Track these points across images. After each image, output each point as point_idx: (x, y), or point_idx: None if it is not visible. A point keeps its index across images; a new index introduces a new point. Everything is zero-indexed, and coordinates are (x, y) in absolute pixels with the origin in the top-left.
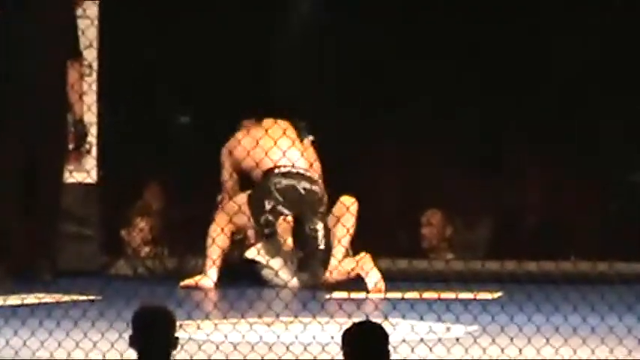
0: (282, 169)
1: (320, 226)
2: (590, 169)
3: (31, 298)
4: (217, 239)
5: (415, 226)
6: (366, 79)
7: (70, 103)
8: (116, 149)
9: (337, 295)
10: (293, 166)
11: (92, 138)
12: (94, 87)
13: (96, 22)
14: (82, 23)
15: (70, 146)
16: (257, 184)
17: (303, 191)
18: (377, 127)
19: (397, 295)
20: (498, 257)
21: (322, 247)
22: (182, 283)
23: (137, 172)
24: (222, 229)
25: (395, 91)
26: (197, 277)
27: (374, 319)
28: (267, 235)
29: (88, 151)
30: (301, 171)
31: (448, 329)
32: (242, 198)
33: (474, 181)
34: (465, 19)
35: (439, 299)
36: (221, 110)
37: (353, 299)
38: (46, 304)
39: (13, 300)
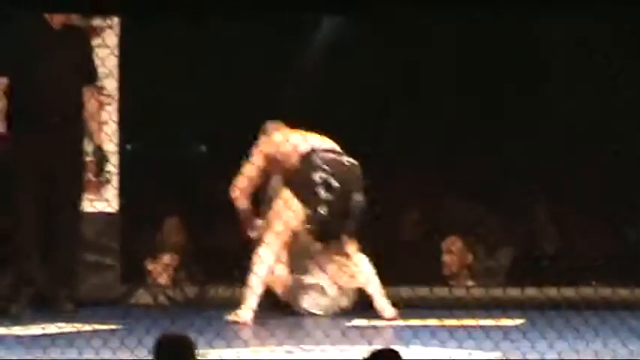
0: (323, 147)
1: (361, 200)
2: (610, 194)
3: (52, 328)
4: (259, 269)
5: (436, 253)
6: (386, 105)
7: (89, 131)
8: (136, 178)
9: (358, 322)
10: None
11: (113, 167)
12: (115, 116)
13: (116, 51)
14: (101, 52)
15: (90, 175)
16: (298, 167)
17: (347, 163)
18: (399, 153)
19: (418, 322)
20: (519, 284)
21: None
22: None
23: (157, 202)
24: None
25: (416, 118)
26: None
27: (394, 346)
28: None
29: (109, 181)
30: (340, 150)
31: (469, 355)
32: (285, 194)
33: (494, 208)
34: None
35: (460, 326)
36: (238, 140)
37: (374, 326)
38: (67, 333)
39: (35, 330)
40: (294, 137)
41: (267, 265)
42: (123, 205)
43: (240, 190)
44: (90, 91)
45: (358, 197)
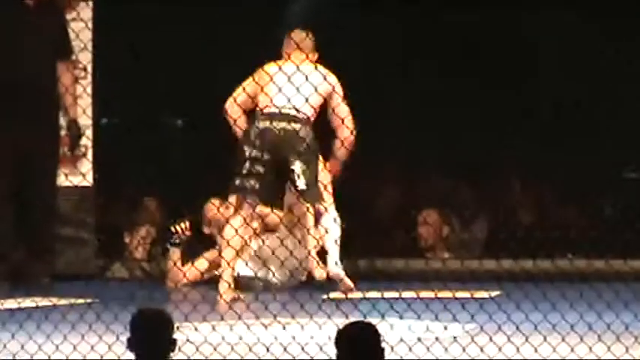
0: (265, 111)
1: (297, 165)
2: (585, 166)
3: (28, 302)
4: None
5: (412, 225)
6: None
7: (64, 106)
8: (111, 152)
9: (334, 295)
10: (278, 107)
11: (88, 141)
12: (89, 90)
13: (90, 25)
14: (75, 26)
15: (65, 149)
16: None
17: (278, 132)
18: (373, 129)
19: (394, 294)
20: (495, 256)
21: (302, 187)
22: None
23: (132, 176)
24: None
25: (391, 94)
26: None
27: (370, 319)
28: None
29: (84, 154)
30: (287, 110)
31: (445, 328)
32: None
33: (469, 181)
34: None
35: (436, 298)
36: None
37: (350, 299)
38: (43, 307)
39: (10, 304)
40: (271, 88)
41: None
42: (98, 179)
43: (231, 116)
44: (65, 66)
45: (290, 165)
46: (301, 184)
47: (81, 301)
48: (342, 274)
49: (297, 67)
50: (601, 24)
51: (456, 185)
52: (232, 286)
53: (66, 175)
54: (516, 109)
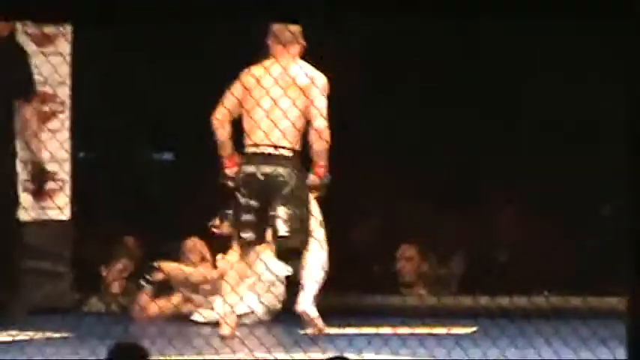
0: (249, 151)
1: (282, 211)
2: (561, 204)
3: (4, 336)
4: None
5: (389, 261)
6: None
7: (28, 145)
8: (89, 186)
9: (311, 330)
10: (258, 145)
11: (65, 175)
12: (67, 124)
13: (68, 59)
14: (54, 60)
15: (31, 186)
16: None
17: (262, 177)
18: (352, 158)
19: (372, 330)
20: (472, 292)
21: (283, 233)
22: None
23: (110, 209)
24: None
25: (371, 125)
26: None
27: (346, 354)
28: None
29: (61, 188)
30: (267, 150)
31: None
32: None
33: (446, 217)
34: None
35: (413, 334)
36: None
37: (327, 334)
38: (19, 341)
39: None
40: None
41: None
42: (75, 213)
43: (219, 119)
44: (26, 104)
45: (271, 211)
46: (282, 230)
47: (57, 335)
48: (316, 314)
49: (284, 69)
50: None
51: (433, 220)
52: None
53: (43, 209)
54: (494, 147)
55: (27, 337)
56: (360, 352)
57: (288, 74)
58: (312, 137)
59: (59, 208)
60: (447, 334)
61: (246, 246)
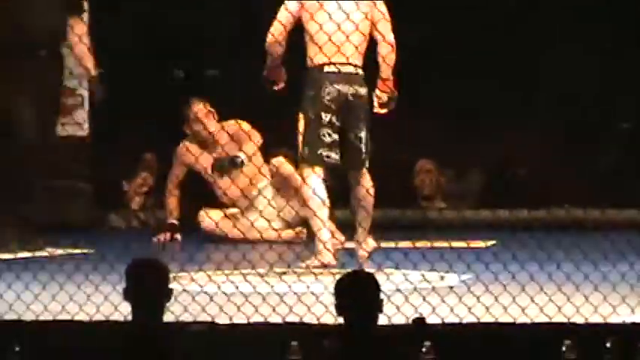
0: (328, 70)
1: (363, 132)
2: (581, 118)
3: (24, 253)
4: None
5: (408, 176)
6: None
7: (77, 59)
8: (108, 103)
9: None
10: (344, 64)
11: (84, 90)
12: (85, 39)
13: None
14: None
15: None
16: (310, 91)
17: (351, 97)
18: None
19: (390, 244)
20: (491, 206)
21: (365, 155)
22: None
23: (130, 126)
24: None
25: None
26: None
27: (367, 269)
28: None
29: (81, 104)
30: (349, 69)
31: (442, 278)
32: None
33: (465, 132)
34: None
35: (432, 248)
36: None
37: (347, 249)
38: (39, 257)
39: (6, 254)
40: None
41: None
42: (94, 130)
43: (274, 35)
44: (75, 20)
45: (358, 132)
46: (365, 151)
47: (77, 251)
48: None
49: None
50: None
51: (451, 137)
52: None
53: (63, 125)
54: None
55: (46, 254)
56: (380, 267)
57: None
58: (383, 52)
59: (78, 123)
60: (467, 247)
61: (330, 166)
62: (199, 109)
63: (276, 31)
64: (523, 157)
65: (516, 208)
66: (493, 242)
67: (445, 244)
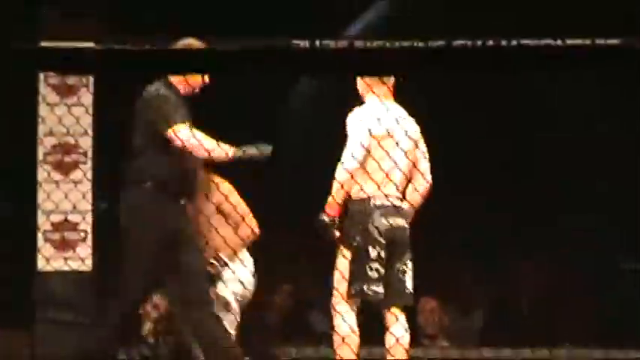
0: (378, 203)
1: (409, 265)
2: (584, 258)
3: None
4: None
5: (411, 314)
6: None
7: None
8: (111, 237)
9: None
10: (388, 196)
11: (87, 226)
12: (89, 175)
13: (90, 110)
14: (76, 111)
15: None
16: (357, 221)
17: (397, 230)
18: None
19: None
20: (494, 344)
21: (410, 290)
22: None
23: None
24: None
25: None
26: None
27: None
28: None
29: (84, 239)
30: (396, 202)
31: None
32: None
33: (466, 270)
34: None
35: None
36: None
37: None
38: None
39: None
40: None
41: None
42: (97, 264)
43: (352, 170)
44: None
45: (401, 265)
46: (410, 285)
47: None
48: None
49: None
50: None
51: (454, 275)
52: None
53: (65, 260)
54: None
55: None
56: None
57: (396, 118)
58: (420, 189)
59: (82, 259)
60: None
61: (374, 302)
62: None
63: (352, 167)
64: (526, 294)
65: (519, 346)
66: None
67: None
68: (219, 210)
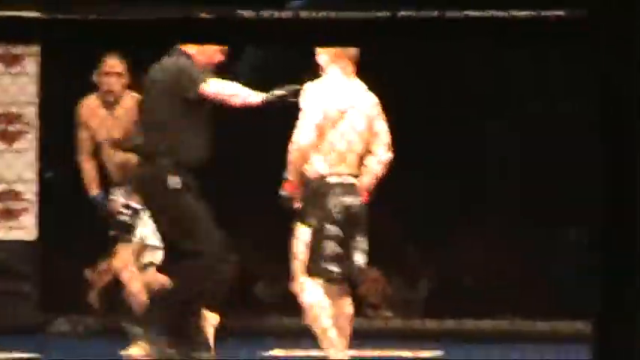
0: (332, 180)
1: (362, 242)
2: (530, 227)
3: None
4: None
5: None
6: None
7: None
8: (55, 206)
9: (276, 353)
10: (342, 175)
11: (32, 195)
12: (34, 144)
13: (35, 79)
14: (21, 80)
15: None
16: (313, 199)
17: (353, 209)
18: None
19: None
20: (438, 316)
21: (362, 264)
22: None
23: (75, 229)
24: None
25: None
26: None
27: None
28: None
29: (28, 209)
30: (349, 180)
31: None
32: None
33: (412, 241)
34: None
35: (379, 358)
36: None
37: (291, 357)
38: None
39: None
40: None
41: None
42: (42, 233)
43: (302, 147)
44: None
45: (353, 242)
46: (362, 262)
47: (24, 355)
48: None
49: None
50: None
51: (398, 245)
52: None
53: (10, 229)
54: (462, 170)
55: None
56: None
57: (353, 96)
58: (371, 164)
59: (25, 228)
60: (414, 358)
61: (334, 281)
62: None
63: (305, 144)
64: (471, 264)
65: (463, 317)
66: (440, 352)
67: (392, 354)
68: None
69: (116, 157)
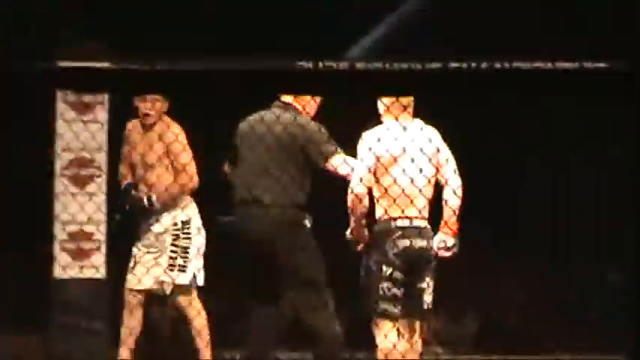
0: (399, 224)
1: (430, 284)
2: (571, 268)
3: None
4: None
5: None
6: None
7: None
8: (124, 246)
9: None
10: (410, 217)
11: (101, 236)
12: (103, 187)
13: (105, 127)
14: (91, 127)
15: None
16: (375, 242)
17: (418, 251)
18: None
19: None
20: (485, 351)
21: (430, 306)
22: None
23: None
24: None
25: None
26: None
27: None
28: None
29: (98, 249)
30: (419, 223)
31: None
32: None
33: (461, 278)
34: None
35: None
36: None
37: None
38: None
39: None
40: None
41: None
42: (111, 272)
43: (358, 196)
44: None
45: (420, 283)
46: (429, 303)
47: None
48: None
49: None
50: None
51: (448, 282)
52: None
53: (81, 268)
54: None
55: None
56: None
57: (409, 138)
58: (448, 195)
59: (95, 267)
60: None
61: (393, 320)
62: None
63: (360, 192)
64: (518, 302)
65: (509, 353)
66: None
67: None
68: (168, 152)
69: (148, 175)
